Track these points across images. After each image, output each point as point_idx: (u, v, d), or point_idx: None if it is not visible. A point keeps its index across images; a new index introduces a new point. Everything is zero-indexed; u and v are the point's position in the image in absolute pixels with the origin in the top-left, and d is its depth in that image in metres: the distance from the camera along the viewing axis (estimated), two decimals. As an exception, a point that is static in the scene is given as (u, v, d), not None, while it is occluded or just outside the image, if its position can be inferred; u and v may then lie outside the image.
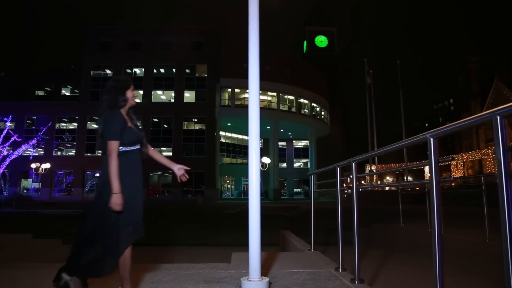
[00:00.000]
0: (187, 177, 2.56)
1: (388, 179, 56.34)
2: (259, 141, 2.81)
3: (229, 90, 39.05)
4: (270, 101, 39.95)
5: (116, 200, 2.08)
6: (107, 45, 34.38)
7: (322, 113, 45.79)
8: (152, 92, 34.35)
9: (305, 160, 48.19)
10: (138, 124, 2.48)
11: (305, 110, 42.67)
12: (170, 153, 33.53)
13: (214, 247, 6.64)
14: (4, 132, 30.33)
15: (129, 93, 2.40)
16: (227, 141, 43.85)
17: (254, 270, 2.52)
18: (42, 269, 3.31)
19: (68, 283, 2.11)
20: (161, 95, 35.29)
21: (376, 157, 29.51)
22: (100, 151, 2.32)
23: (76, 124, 33.89)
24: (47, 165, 26.82)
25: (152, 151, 2.57)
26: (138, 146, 2.36)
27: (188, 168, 2.58)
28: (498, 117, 1.37)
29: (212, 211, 17.60)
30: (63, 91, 36.64)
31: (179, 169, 2.55)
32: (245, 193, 40.71)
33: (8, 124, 31.62)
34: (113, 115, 2.28)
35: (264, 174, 34.52)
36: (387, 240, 7.05)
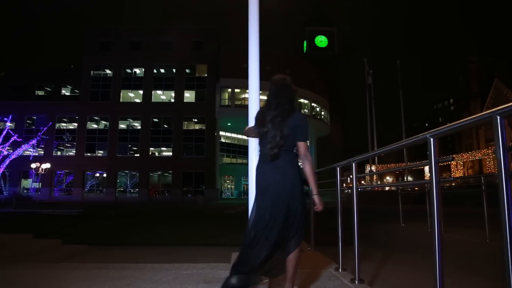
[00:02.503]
0: None
1: (388, 179, 56.31)
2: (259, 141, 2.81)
3: (229, 90, 39.05)
4: (270, 101, 39.84)
5: (320, 201, 2.19)
6: (107, 45, 34.37)
7: (322, 113, 45.80)
8: (152, 92, 34.34)
9: (305, 160, 48.11)
10: None
11: (305, 110, 42.66)
12: (170, 153, 33.55)
13: (214, 247, 6.63)
14: (4, 132, 30.30)
15: None
16: (227, 141, 43.84)
17: (254, 270, 2.52)
18: (42, 269, 3.31)
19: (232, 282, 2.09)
20: (161, 95, 35.28)
21: (376, 157, 29.50)
22: (276, 151, 2.15)
23: (76, 124, 33.90)
24: (47, 165, 26.80)
25: None
26: None
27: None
28: (498, 117, 1.37)
29: (212, 211, 17.59)
30: (63, 91, 36.62)
31: None
32: (245, 193, 40.69)
33: (8, 124, 31.60)
34: (305, 116, 2.30)
35: (264, 174, 34.41)
36: (387, 240, 7.04)
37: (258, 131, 2.26)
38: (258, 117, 2.32)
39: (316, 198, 2.19)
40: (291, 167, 2.16)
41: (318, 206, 2.19)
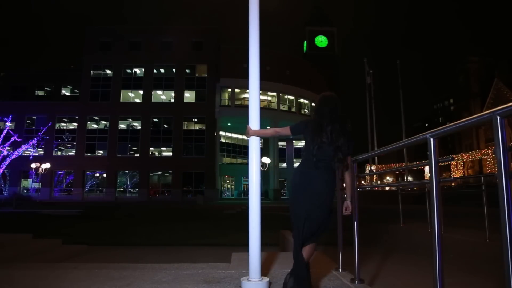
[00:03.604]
0: None
1: (388, 179, 56.32)
2: (259, 141, 2.81)
3: (229, 90, 39.05)
4: (270, 101, 39.94)
5: (351, 207, 2.49)
6: (107, 45, 34.36)
7: (322, 113, 45.81)
8: (152, 92, 34.34)
9: (305, 160, 48.15)
10: None
11: (305, 110, 42.69)
12: (170, 153, 33.55)
13: (214, 247, 6.63)
14: (4, 132, 30.31)
15: None
16: (227, 141, 43.83)
17: (254, 270, 2.52)
18: (41, 269, 3.31)
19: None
20: (161, 95, 35.28)
21: (376, 157, 29.49)
22: (339, 163, 2.39)
23: (76, 124, 33.88)
24: (47, 165, 26.80)
25: None
26: None
27: None
28: (498, 117, 1.37)
29: (212, 211, 17.60)
30: (63, 91, 36.61)
31: None
32: (245, 193, 40.69)
33: (8, 124, 31.59)
34: None
35: (264, 174, 34.50)
36: (387, 240, 7.04)
37: (314, 140, 2.39)
38: (314, 127, 2.42)
39: (349, 203, 2.47)
40: (333, 177, 2.43)
41: (350, 212, 2.49)
